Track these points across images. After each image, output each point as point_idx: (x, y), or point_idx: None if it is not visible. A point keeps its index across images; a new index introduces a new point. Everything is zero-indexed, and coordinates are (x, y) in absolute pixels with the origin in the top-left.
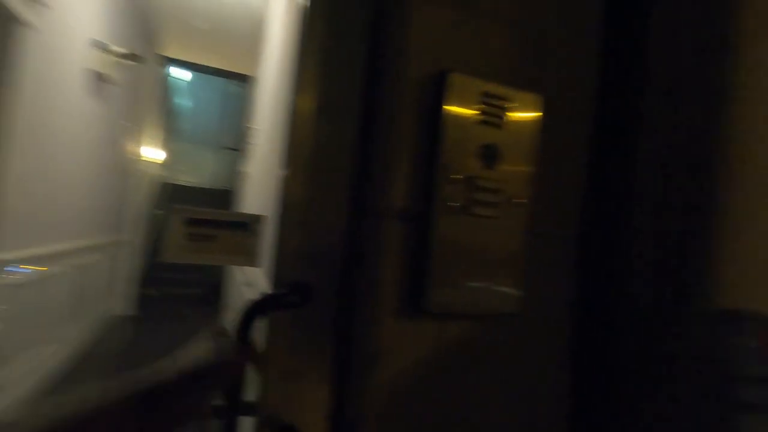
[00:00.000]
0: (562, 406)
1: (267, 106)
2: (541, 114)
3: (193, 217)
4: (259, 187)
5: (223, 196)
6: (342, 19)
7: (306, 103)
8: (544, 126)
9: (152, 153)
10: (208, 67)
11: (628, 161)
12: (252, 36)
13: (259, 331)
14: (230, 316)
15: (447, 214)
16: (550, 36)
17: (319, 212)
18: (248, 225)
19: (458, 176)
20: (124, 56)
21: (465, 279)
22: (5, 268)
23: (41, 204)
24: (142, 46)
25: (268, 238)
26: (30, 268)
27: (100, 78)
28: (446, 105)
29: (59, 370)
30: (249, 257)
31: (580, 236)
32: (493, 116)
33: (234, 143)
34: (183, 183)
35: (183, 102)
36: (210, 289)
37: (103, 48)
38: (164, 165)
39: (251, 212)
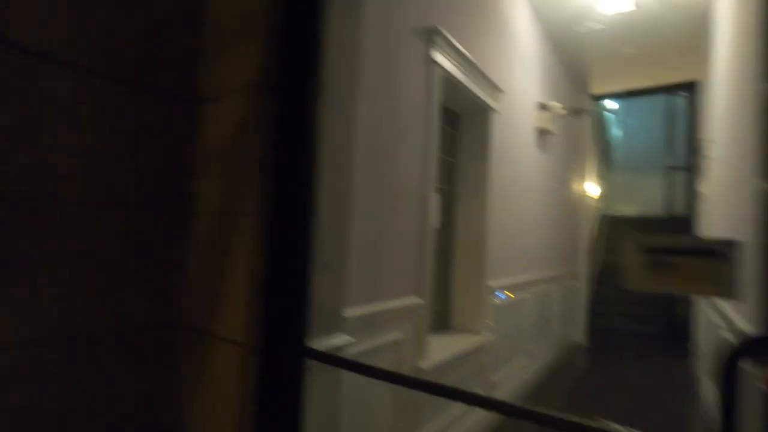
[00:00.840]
0: None
1: (724, 111)
2: None
3: (651, 246)
4: (722, 206)
5: (676, 223)
6: None
7: None
8: None
9: (591, 188)
10: (637, 89)
11: None
12: (690, 37)
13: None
14: (700, 364)
15: None
16: None
17: None
18: (718, 252)
19: None
20: (563, 110)
21: None
22: (496, 293)
23: (510, 239)
24: (574, 92)
25: (748, 268)
26: (507, 294)
27: (543, 132)
28: None
29: (531, 380)
30: (722, 288)
31: None
32: None
33: (679, 162)
34: (627, 213)
35: (615, 132)
36: (666, 328)
37: (544, 107)
38: (603, 198)
39: (717, 237)
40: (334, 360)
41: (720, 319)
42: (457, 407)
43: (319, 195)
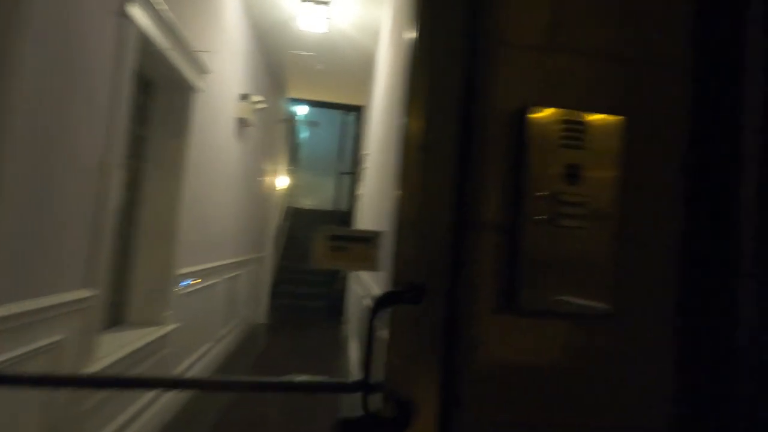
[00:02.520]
0: (664, 410)
1: (376, 134)
2: (622, 133)
3: (333, 234)
4: (371, 205)
5: (341, 216)
6: (442, 63)
7: (414, 134)
8: (630, 144)
9: (282, 181)
10: (326, 102)
11: (727, 173)
12: (362, 71)
13: (384, 322)
14: (350, 328)
15: (534, 226)
16: (634, 62)
17: (429, 226)
18: (371, 239)
19: (544, 193)
20: (263, 104)
21: (553, 282)
22: (180, 283)
23: (204, 224)
24: (274, 91)
25: (387, 248)
26: (193, 281)
27: (242, 122)
28: (530, 132)
29: (218, 364)
30: (372, 264)
31: (680, 243)
32: (574, 139)
33: (346, 168)
34: (307, 206)
35: (305, 135)
36: (332, 303)
37: (245, 98)
38: (291, 191)
39: (366, 228)
40: None
41: (363, 290)
42: (127, 413)
43: None
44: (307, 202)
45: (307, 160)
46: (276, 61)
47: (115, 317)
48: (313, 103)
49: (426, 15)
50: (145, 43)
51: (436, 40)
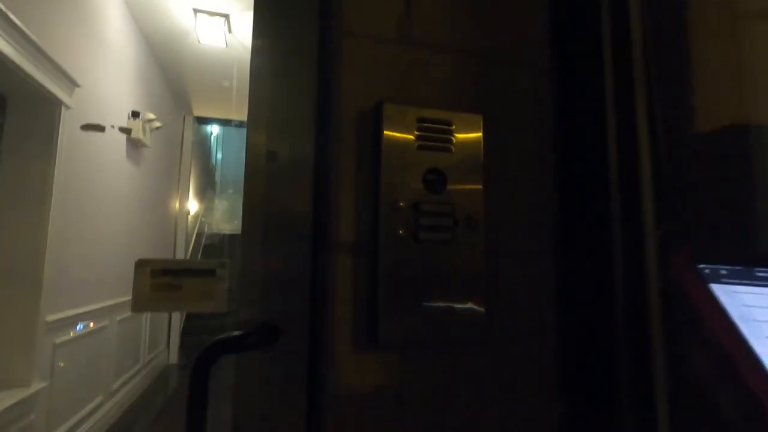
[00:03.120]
0: None
1: None
2: (485, 134)
3: (157, 268)
4: None
5: None
6: (288, 63)
7: (258, 139)
8: (493, 146)
9: (191, 206)
10: (236, 120)
11: (598, 174)
12: None
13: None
14: None
15: (394, 243)
16: (491, 58)
17: (279, 251)
18: (215, 271)
19: (403, 203)
20: (159, 123)
21: (419, 307)
22: (77, 327)
23: (87, 260)
24: (176, 109)
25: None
26: (89, 324)
27: (136, 143)
28: (384, 135)
29: (111, 421)
30: (217, 302)
31: (556, 253)
32: (433, 141)
33: None
34: (226, 231)
35: (217, 155)
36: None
37: (137, 115)
38: (207, 216)
39: (215, 259)
40: None
41: None
42: None
43: None
44: (226, 227)
45: (226, 182)
46: (176, 77)
47: None
48: (226, 123)
49: (269, 2)
50: None
51: (280, 32)
